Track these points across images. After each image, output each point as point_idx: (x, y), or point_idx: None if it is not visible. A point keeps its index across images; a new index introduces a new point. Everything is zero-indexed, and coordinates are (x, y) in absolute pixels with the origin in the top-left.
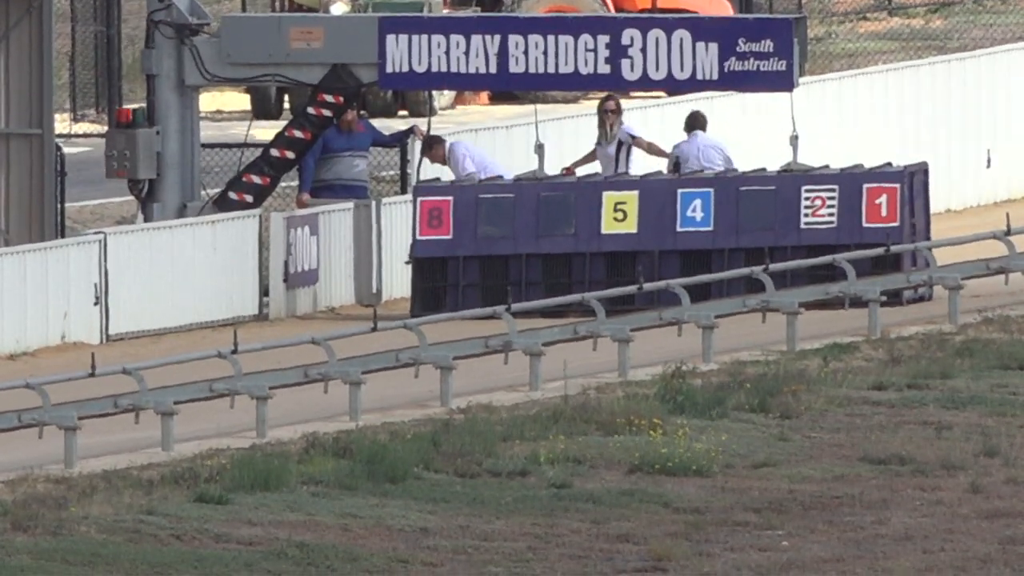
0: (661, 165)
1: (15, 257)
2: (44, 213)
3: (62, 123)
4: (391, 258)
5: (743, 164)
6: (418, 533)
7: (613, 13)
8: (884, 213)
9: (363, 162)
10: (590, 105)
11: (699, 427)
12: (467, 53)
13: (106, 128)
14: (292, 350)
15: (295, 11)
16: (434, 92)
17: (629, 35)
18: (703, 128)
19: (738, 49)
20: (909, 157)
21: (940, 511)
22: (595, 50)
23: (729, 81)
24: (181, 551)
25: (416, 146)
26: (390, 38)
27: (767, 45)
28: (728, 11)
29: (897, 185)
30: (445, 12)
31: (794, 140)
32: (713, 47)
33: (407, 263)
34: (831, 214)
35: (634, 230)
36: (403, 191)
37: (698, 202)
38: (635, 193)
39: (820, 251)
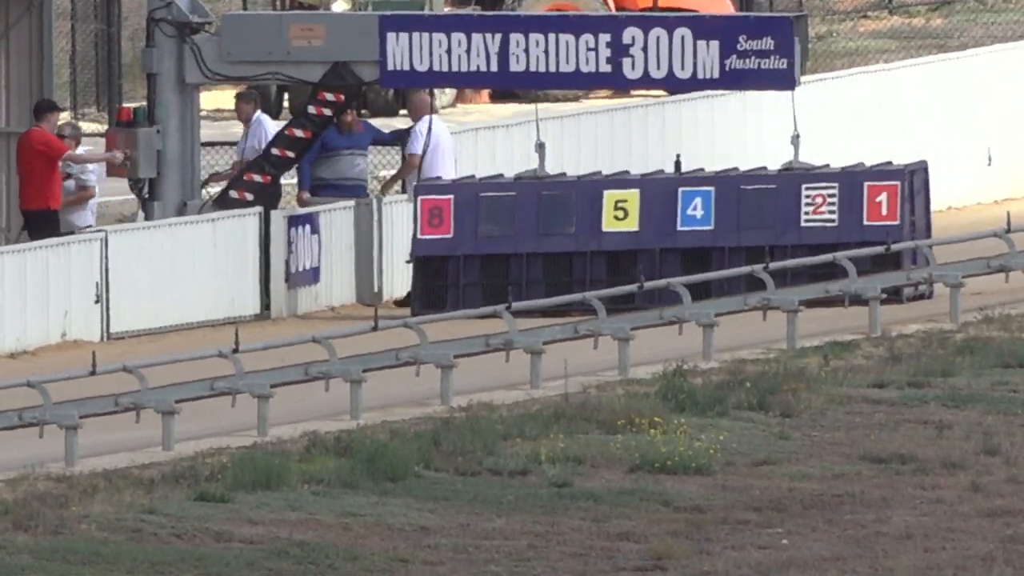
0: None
1: (16, 255)
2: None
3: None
4: (392, 257)
5: (744, 163)
6: (419, 532)
7: (614, 12)
8: (885, 211)
9: (363, 161)
10: (591, 104)
11: (699, 425)
12: (468, 51)
13: (106, 127)
14: (293, 349)
15: (296, 9)
16: (435, 90)
17: (630, 34)
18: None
19: (739, 47)
20: (910, 155)
21: (941, 510)
22: (596, 49)
23: (730, 80)
24: (182, 550)
25: None
26: (391, 36)
27: (768, 43)
28: (729, 9)
29: (898, 183)
30: (446, 10)
31: (795, 139)
32: (714, 45)
33: (408, 262)
34: (832, 212)
35: (635, 228)
36: (403, 190)
37: (699, 200)
38: (636, 192)
39: (821, 249)
